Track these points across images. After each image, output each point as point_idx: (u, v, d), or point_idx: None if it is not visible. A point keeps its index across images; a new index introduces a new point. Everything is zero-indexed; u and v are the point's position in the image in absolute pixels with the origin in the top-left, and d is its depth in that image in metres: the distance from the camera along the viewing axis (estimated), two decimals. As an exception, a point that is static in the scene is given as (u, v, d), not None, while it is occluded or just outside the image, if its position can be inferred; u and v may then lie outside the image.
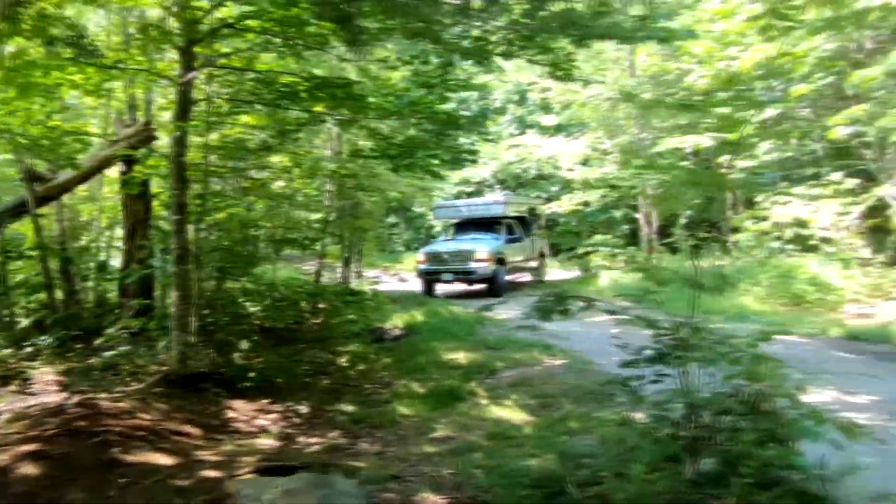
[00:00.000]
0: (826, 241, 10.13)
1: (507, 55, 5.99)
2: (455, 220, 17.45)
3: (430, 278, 15.03)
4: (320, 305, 11.15)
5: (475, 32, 5.58)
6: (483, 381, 6.47)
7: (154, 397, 5.60)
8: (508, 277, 15.81)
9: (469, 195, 26.32)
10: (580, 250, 16.93)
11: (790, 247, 10.76)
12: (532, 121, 25.28)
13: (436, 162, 8.66)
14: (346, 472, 3.89)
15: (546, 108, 20.51)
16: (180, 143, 6.18)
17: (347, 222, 12.28)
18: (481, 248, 14.35)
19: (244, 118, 7.89)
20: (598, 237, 16.46)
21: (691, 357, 2.84)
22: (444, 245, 15.87)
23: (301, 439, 5.06)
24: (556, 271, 19.51)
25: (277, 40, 6.34)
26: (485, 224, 16.13)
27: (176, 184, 6.21)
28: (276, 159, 9.32)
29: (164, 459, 4.04)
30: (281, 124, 7.85)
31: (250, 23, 6.08)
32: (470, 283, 14.60)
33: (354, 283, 14.84)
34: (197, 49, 6.16)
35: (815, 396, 5.46)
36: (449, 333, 9.14)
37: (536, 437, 4.42)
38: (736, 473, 2.36)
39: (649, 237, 16.15)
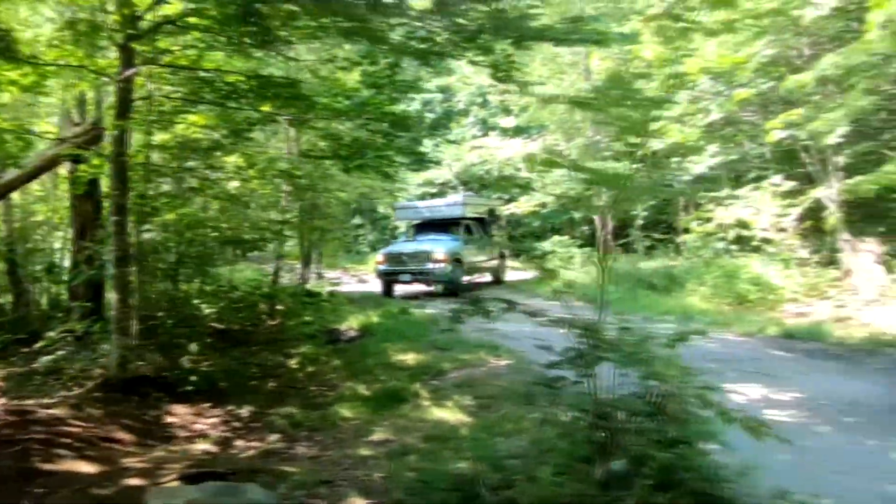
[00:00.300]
0: (767, 241, 10.39)
1: (451, 56, 5.98)
2: (416, 221, 17.48)
3: (388, 279, 14.99)
4: (278, 307, 11.00)
5: (422, 33, 5.56)
6: (428, 383, 6.43)
7: (90, 403, 5.41)
8: (468, 278, 15.73)
9: (433, 196, 26.33)
10: (537, 251, 17.20)
11: (733, 247, 11.02)
12: (494, 123, 25.39)
13: (387, 163, 8.59)
14: (276, 476, 3.82)
15: (507, 110, 20.59)
16: (120, 143, 6.01)
17: (304, 223, 12.12)
18: (438, 248, 14.36)
19: (193, 117, 7.71)
20: (555, 238, 16.60)
21: (604, 358, 2.83)
22: (402, 246, 15.87)
23: (238, 444, 4.96)
24: (520, 272, 19.62)
25: (223, 38, 6.20)
26: (444, 225, 16.19)
27: (116, 184, 6.03)
28: (231, 159, 9.13)
29: (88, 468, 3.91)
30: (231, 124, 7.69)
31: (193, 20, 5.93)
32: (427, 283, 14.59)
33: (314, 285, 14.67)
34: (137, 46, 5.99)
35: (746, 394, 5.63)
36: (401, 335, 9.08)
37: (472, 438, 4.40)
38: (640, 475, 2.37)
39: (604, 238, 16.34)
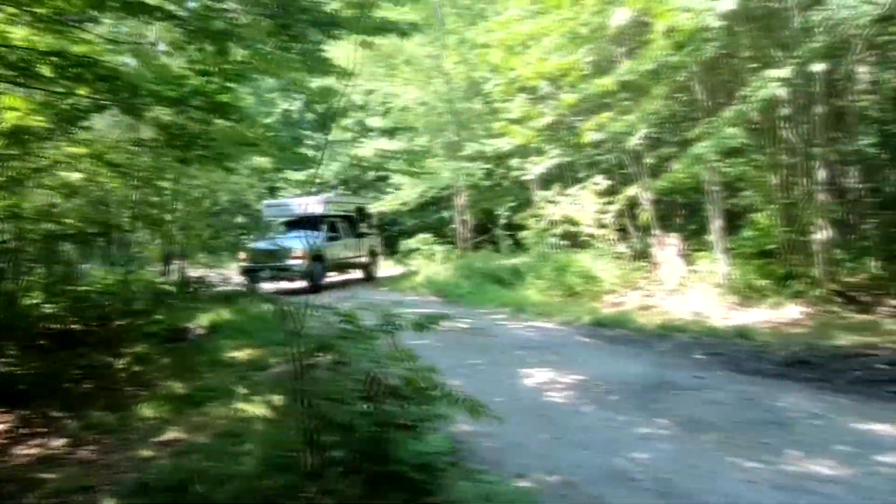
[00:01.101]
0: (592, 237, 11.10)
1: (256, 41, 5.80)
2: (283, 219, 17.28)
3: (251, 276, 14.85)
4: (135, 307, 10.29)
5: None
6: (250, 378, 6.24)
7: None
8: (336, 274, 16.32)
9: (312, 195, 25.82)
10: (403, 248, 17.38)
11: (563, 243, 11.66)
12: (370, 124, 25.27)
13: (226, 155, 8.22)
14: (31, 484, 3.53)
15: (378, 110, 20.51)
16: None
17: (152, 218, 11.39)
18: (297, 245, 14.38)
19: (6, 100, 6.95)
20: (420, 236, 16.80)
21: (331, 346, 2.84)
22: (262, 243, 15.83)
23: (16, 450, 4.54)
24: (396, 268, 19.67)
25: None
26: (314, 222, 16.09)
27: None
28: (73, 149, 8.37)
29: None
30: (54, 110, 7.02)
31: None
32: (286, 279, 14.60)
33: (173, 282, 13.89)
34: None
35: (536, 377, 5.93)
36: (246, 331, 8.79)
37: (259, 433, 4.29)
38: (342, 463, 2.38)
39: (463, 235, 16.73)
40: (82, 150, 8.47)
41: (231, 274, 17.58)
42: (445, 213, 21.27)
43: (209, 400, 5.55)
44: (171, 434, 4.62)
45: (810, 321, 7.57)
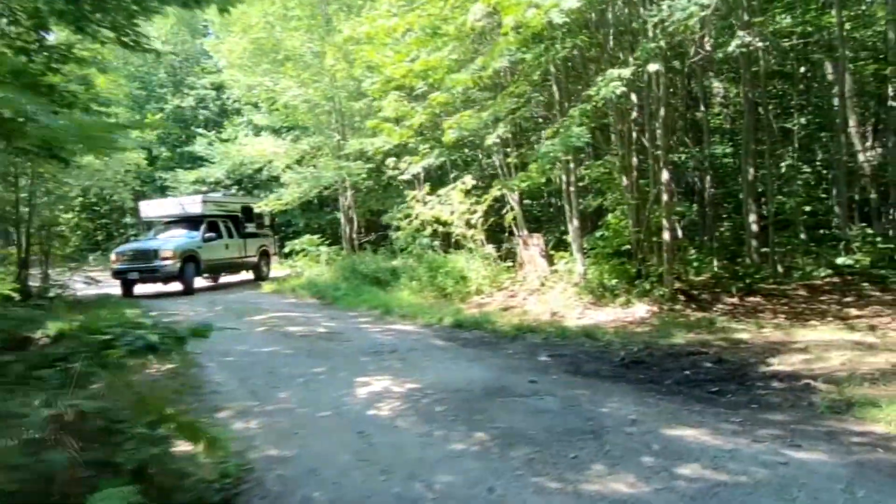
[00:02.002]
0: (463, 237, 10.73)
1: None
2: (162, 219, 16.06)
3: (120, 277, 13.76)
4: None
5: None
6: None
7: None
8: (225, 276, 15.92)
9: (206, 194, 24.19)
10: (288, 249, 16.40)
11: (436, 243, 11.24)
12: (256, 121, 23.92)
13: (58, 144, 7.07)
14: None
15: (262, 108, 19.28)
16: None
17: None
18: (165, 246, 13.61)
19: None
20: (306, 237, 15.89)
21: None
22: (132, 244, 15.12)
23: None
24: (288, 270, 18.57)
25: None
26: (191, 222, 14.92)
27: None
28: None
29: None
30: None
31: None
32: (155, 281, 13.59)
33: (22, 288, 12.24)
34: None
35: (372, 385, 5.36)
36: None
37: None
38: None
39: (350, 236, 15.99)
40: None
41: (106, 277, 16.05)
42: (339, 214, 20.42)
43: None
44: None
45: (655, 320, 7.51)
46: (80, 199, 20.94)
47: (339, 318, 9.24)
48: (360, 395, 5.09)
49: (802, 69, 12.86)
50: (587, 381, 5.29)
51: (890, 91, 10.83)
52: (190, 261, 13.64)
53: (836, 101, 11.04)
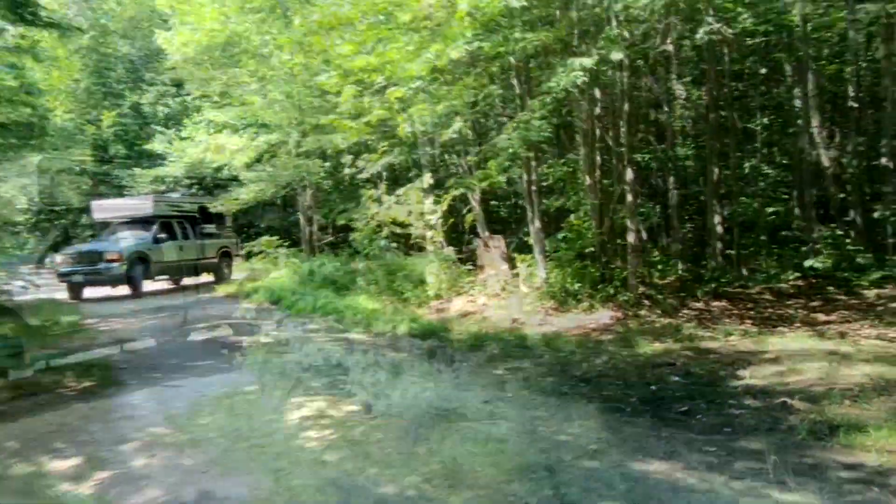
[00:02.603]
0: (422, 238, 10.06)
1: None
2: (111, 220, 14.94)
3: (65, 280, 12.81)
4: None
5: None
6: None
7: None
8: (188, 278, 14.87)
9: (162, 193, 22.97)
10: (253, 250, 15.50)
11: (395, 245, 10.55)
12: (220, 119, 22.81)
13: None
14: None
15: (219, 104, 18.24)
16: None
17: None
18: (112, 247, 12.71)
19: None
20: (264, 238, 14.99)
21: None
22: (78, 246, 14.18)
23: None
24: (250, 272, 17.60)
25: None
26: (143, 223, 13.91)
27: None
28: None
29: None
30: None
31: None
32: (102, 283, 12.67)
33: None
34: None
35: (307, 408, 4.66)
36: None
37: None
38: None
39: (309, 238, 15.16)
40: None
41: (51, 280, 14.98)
42: (300, 214, 19.50)
43: None
44: None
45: (619, 326, 6.96)
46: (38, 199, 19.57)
47: (288, 327, 8.48)
48: (290, 420, 4.38)
49: (763, 70, 12.56)
50: (546, 400, 4.68)
51: (850, 91, 10.56)
52: (139, 263, 12.73)
53: (797, 102, 10.71)
